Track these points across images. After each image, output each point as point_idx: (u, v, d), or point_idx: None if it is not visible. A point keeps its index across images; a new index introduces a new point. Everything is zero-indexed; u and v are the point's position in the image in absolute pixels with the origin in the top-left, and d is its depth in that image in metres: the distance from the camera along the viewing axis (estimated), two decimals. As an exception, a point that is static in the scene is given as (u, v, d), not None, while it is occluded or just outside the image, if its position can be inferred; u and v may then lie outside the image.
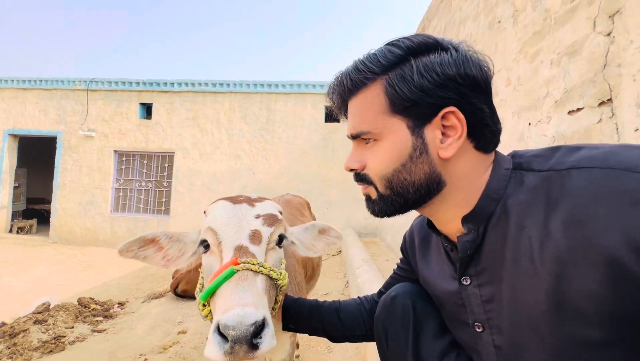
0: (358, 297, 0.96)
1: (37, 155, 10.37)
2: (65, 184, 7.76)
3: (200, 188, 7.47)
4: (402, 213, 0.62)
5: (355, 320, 0.90)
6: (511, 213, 0.53)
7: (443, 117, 0.55)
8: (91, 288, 4.39)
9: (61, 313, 3.21)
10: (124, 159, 7.82)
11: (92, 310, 3.43)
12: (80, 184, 7.72)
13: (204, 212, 0.92)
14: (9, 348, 2.61)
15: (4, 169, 7.95)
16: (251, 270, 0.74)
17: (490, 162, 0.58)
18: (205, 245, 0.85)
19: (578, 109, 1.42)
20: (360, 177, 0.63)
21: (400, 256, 0.90)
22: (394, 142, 0.57)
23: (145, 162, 7.81)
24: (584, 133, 1.38)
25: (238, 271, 0.73)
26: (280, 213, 0.94)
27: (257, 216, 0.86)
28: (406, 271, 0.86)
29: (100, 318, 3.30)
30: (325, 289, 4.05)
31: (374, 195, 0.62)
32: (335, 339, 0.92)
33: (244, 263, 0.74)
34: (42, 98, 7.93)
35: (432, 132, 0.55)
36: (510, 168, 0.56)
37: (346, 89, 0.61)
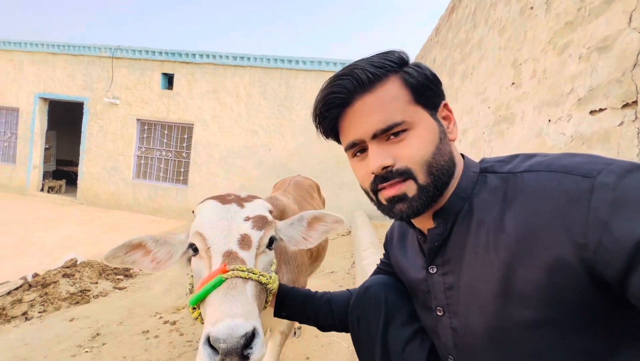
0: (348, 290, 1.00)
1: (65, 119, 10.80)
2: (91, 149, 8.12)
3: (217, 160, 7.64)
4: (430, 207, 0.62)
5: (346, 311, 0.93)
6: (475, 210, 0.60)
7: (441, 108, 0.65)
8: (114, 248, 4.70)
9: (87, 269, 3.49)
10: (145, 127, 8.05)
11: (114, 268, 3.70)
12: (105, 150, 8.05)
13: (192, 211, 0.90)
14: (42, 297, 2.89)
15: (35, 131, 8.37)
16: (240, 277, 0.73)
17: (461, 163, 0.66)
18: (194, 248, 0.83)
19: (600, 110, 1.37)
20: (398, 173, 0.60)
21: (384, 252, 0.96)
22: (427, 127, 0.61)
23: (165, 132, 8.02)
24: (604, 135, 1.34)
25: (227, 279, 0.72)
26: (271, 212, 0.93)
27: (247, 219, 0.83)
28: (388, 266, 0.91)
29: (121, 277, 3.57)
30: (332, 268, 4.18)
31: (412, 191, 0.60)
32: (324, 328, 0.96)
33: (233, 270, 0.73)
34: (70, 63, 8.16)
35: (440, 120, 0.64)
36: (478, 172, 0.63)
37: (361, 83, 0.60)
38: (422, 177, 0.59)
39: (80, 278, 3.29)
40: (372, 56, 0.63)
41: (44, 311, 2.71)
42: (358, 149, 0.65)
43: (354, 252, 4.43)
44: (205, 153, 7.69)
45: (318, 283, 3.55)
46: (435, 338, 0.71)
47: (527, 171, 0.55)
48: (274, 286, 0.82)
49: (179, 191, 7.79)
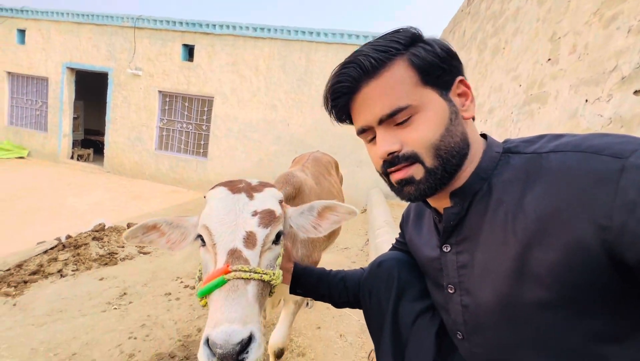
0: (361, 268, 1.02)
1: (92, 89, 11.08)
2: (116, 119, 8.36)
3: (236, 134, 7.70)
4: (441, 189, 0.62)
5: (360, 288, 0.95)
6: (494, 190, 0.59)
7: (456, 85, 0.63)
8: (138, 215, 4.94)
9: (114, 233, 3.70)
10: (167, 99, 8.16)
11: (139, 234, 3.91)
12: (129, 121, 8.27)
13: (204, 197, 0.90)
14: (74, 257, 3.11)
15: (64, 100, 8.66)
16: (242, 278, 0.73)
17: (479, 142, 0.64)
18: (202, 239, 0.84)
19: (646, 90, 1.25)
20: (404, 158, 0.60)
21: (399, 231, 0.96)
22: (435, 109, 0.59)
23: (186, 104, 8.11)
24: (646, 118, 1.24)
25: (229, 280, 0.72)
26: (281, 202, 0.91)
27: (254, 213, 0.82)
28: (403, 244, 0.92)
29: (146, 243, 3.77)
30: (346, 244, 4.25)
31: (419, 174, 0.60)
32: (338, 305, 0.99)
33: (235, 271, 0.73)
34: (95, 33, 8.25)
35: (454, 98, 0.62)
36: (500, 152, 0.61)
37: (365, 70, 0.60)
38: (429, 161, 0.59)
39: (108, 242, 3.51)
40: (378, 39, 0.62)
41: (77, 270, 2.93)
42: (370, 134, 0.65)
43: (369, 230, 4.45)
44: (225, 127, 7.75)
45: (331, 258, 3.63)
46: (445, 314, 0.72)
47: (553, 152, 0.53)
48: (277, 282, 0.83)
49: (199, 164, 7.97)
